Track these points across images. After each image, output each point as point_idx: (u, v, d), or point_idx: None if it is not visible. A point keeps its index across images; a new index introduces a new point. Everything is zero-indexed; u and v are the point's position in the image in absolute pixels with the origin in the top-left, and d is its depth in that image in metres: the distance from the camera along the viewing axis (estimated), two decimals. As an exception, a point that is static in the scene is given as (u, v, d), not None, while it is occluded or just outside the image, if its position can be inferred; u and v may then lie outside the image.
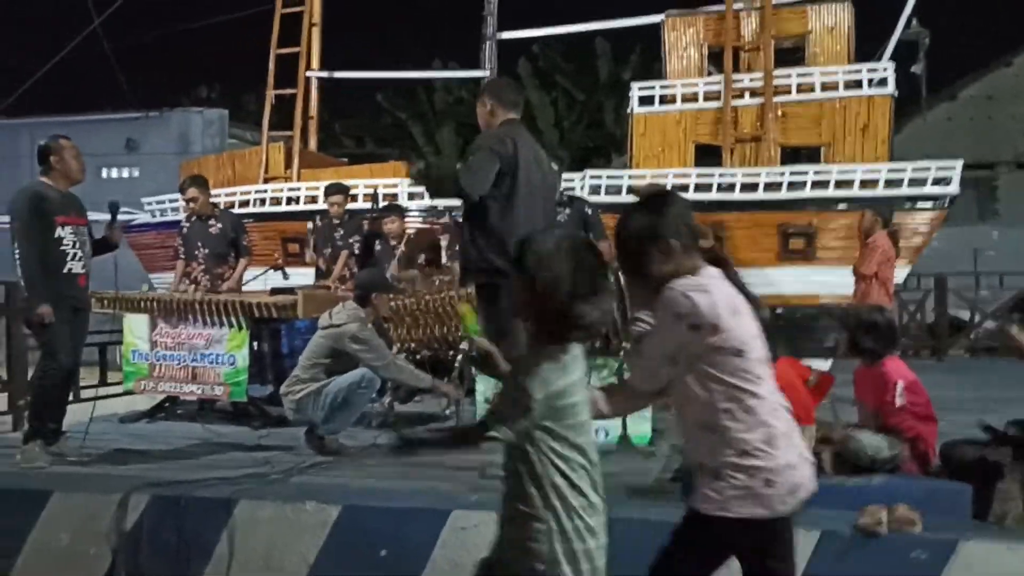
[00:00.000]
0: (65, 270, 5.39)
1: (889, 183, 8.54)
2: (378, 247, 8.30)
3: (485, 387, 6.17)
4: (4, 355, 7.64)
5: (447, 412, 6.79)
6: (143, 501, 4.40)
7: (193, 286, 7.54)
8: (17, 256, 5.35)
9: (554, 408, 2.23)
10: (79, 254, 5.47)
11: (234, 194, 10.04)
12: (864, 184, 8.56)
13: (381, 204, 8.61)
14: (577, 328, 2.28)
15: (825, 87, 9.21)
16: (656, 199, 2.53)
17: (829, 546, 3.68)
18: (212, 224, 7.63)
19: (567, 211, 7.53)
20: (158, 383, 7.08)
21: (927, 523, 3.68)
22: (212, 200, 8.00)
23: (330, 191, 8.35)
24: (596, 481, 2.31)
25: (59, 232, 5.37)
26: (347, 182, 9.56)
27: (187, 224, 7.75)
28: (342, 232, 8.11)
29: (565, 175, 9.76)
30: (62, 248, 5.38)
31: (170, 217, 10.13)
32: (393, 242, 8.29)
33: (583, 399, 2.30)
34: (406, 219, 8.64)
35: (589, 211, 7.60)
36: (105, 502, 4.43)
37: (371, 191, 8.87)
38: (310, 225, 8.60)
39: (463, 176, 4.51)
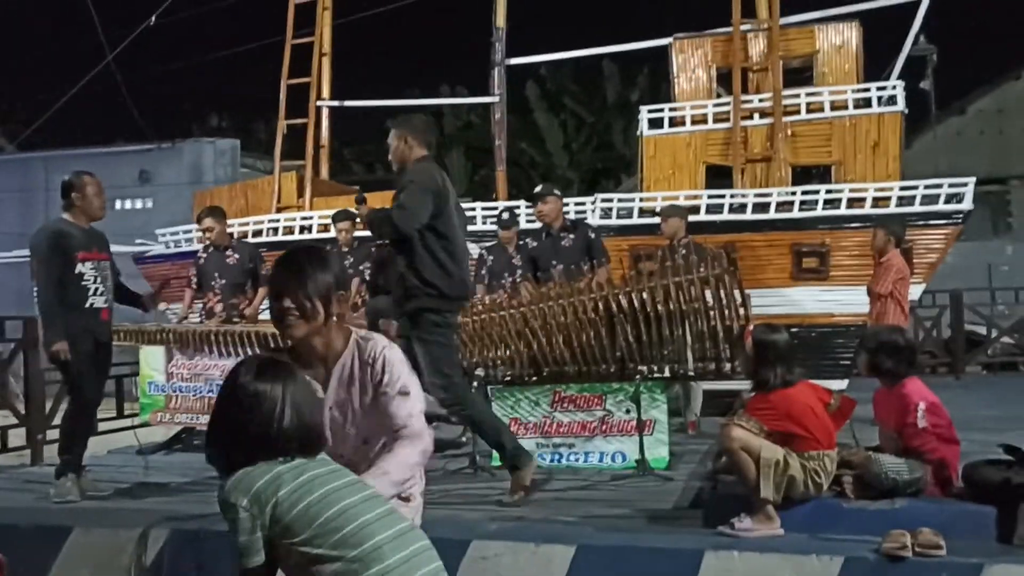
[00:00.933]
0: (87, 305, 5.44)
1: (901, 201, 8.52)
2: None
3: (500, 414, 6.17)
4: (23, 389, 7.68)
5: (463, 439, 6.78)
6: (163, 536, 4.40)
7: (211, 316, 7.58)
8: (35, 293, 5.41)
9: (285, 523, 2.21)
10: (100, 288, 5.52)
11: (247, 224, 10.09)
12: (876, 202, 8.54)
13: None
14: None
15: (834, 106, 9.20)
16: None
17: (853, 572, 3.65)
18: (229, 255, 7.67)
19: (571, 236, 7.56)
20: (174, 415, 7.12)
21: (952, 547, 3.64)
22: (228, 230, 8.06)
23: (338, 218, 8.38)
24: None
25: (80, 268, 5.42)
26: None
27: (204, 255, 7.80)
28: (352, 260, 8.14)
29: (575, 199, 9.78)
30: (83, 284, 5.43)
31: (184, 248, 10.19)
32: None
33: (338, 506, 2.24)
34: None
35: (593, 235, 7.62)
36: (125, 537, 4.44)
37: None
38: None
39: (398, 217, 4.88)
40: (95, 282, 5.48)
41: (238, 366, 2.41)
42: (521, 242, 7.95)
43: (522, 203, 9.39)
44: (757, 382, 4.22)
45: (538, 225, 7.89)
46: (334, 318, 2.71)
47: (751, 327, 4.32)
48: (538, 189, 7.87)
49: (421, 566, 2.27)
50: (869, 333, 4.74)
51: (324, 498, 2.24)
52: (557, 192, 7.85)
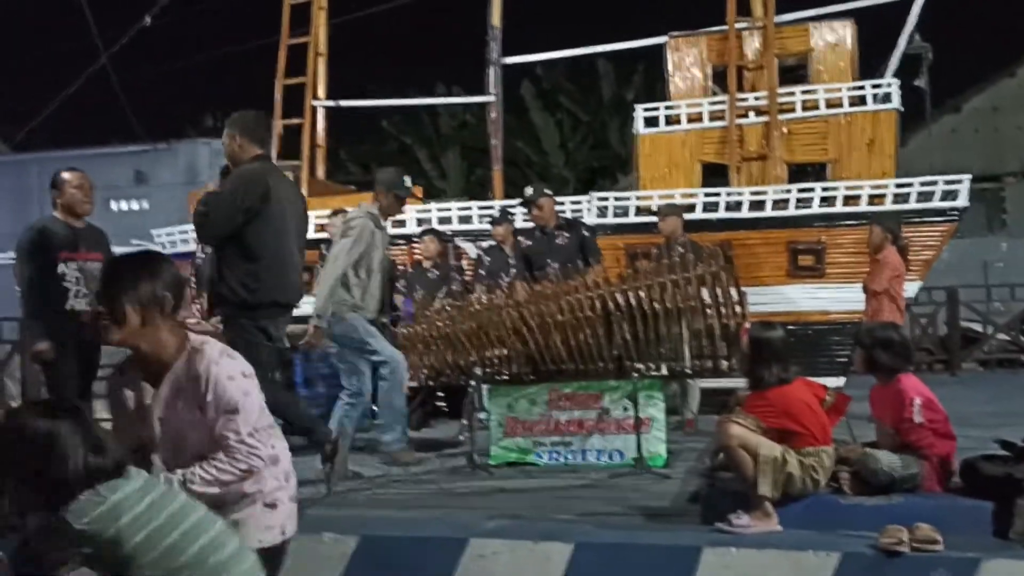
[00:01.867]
0: (67, 307, 5.22)
1: (897, 198, 8.54)
2: (410, 271, 8.37)
3: (497, 412, 6.19)
4: (19, 391, 7.68)
5: (461, 438, 6.79)
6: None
7: (211, 315, 7.55)
8: (19, 293, 5.28)
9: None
10: (83, 291, 5.26)
11: (243, 224, 10.08)
12: (872, 200, 8.56)
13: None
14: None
15: (829, 104, 9.22)
16: None
17: (851, 567, 3.66)
18: (224, 255, 7.64)
19: (566, 234, 7.58)
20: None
21: (949, 542, 3.66)
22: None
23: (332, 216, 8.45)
24: None
25: (61, 268, 5.21)
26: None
27: (202, 255, 7.78)
28: None
29: (571, 198, 9.78)
30: (64, 284, 5.21)
31: (180, 248, 10.17)
32: (427, 264, 8.33)
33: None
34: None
35: (587, 234, 7.65)
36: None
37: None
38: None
39: (199, 223, 4.98)
40: (76, 283, 5.25)
41: (10, 418, 2.40)
42: (491, 244, 8.01)
43: (516, 203, 9.41)
44: (753, 380, 4.24)
45: (532, 223, 7.92)
46: (158, 325, 2.68)
47: (747, 325, 4.34)
48: (529, 193, 7.90)
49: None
50: (864, 329, 4.75)
51: (167, 522, 2.29)
52: (548, 192, 7.89)
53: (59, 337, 5.16)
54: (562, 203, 9.37)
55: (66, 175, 5.42)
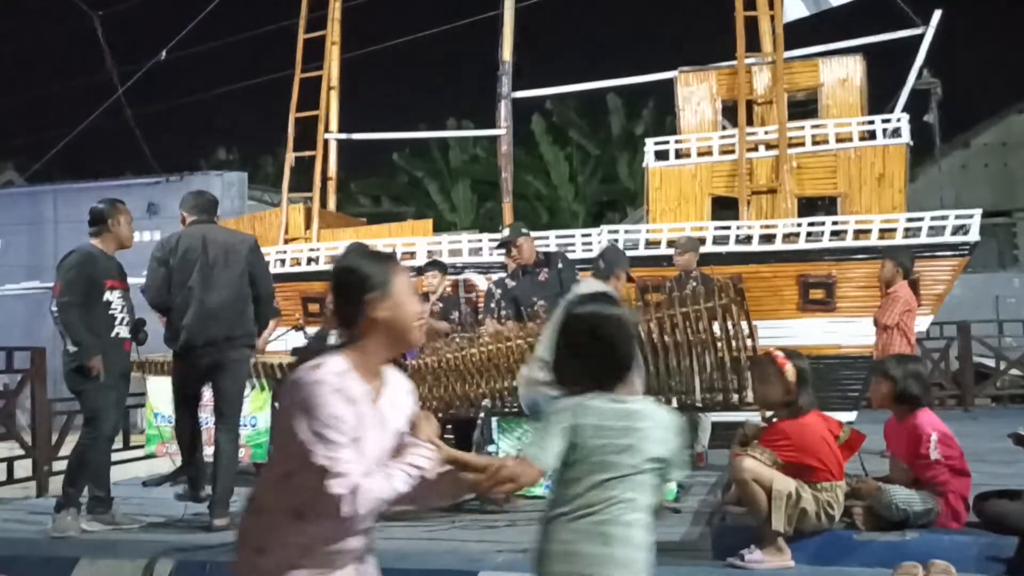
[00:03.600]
0: (113, 334, 5.37)
1: (907, 232, 8.53)
2: None
3: (507, 444, 6.16)
4: (29, 421, 7.67)
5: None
6: (168, 567, 4.38)
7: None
8: (57, 313, 5.24)
9: None
10: (126, 319, 5.46)
11: (254, 255, 10.13)
12: (882, 234, 8.56)
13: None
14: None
15: (839, 138, 9.25)
16: None
17: (865, 604, 3.62)
18: (237, 287, 7.68)
19: (545, 269, 7.57)
20: (181, 446, 7.07)
21: (965, 579, 3.62)
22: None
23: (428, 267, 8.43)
24: None
25: (108, 296, 5.35)
26: (368, 241, 9.65)
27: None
28: None
29: (581, 231, 9.80)
30: (111, 312, 5.36)
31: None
32: (432, 297, 8.32)
33: None
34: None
35: (561, 265, 7.62)
36: (130, 568, 4.42)
37: (390, 251, 8.94)
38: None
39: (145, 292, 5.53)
40: (121, 311, 5.42)
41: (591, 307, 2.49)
42: (501, 277, 8.01)
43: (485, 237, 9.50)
44: (793, 408, 4.15)
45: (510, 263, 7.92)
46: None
47: (779, 353, 4.25)
48: (505, 234, 7.78)
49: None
50: (892, 361, 4.61)
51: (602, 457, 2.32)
52: (525, 231, 7.84)
53: (106, 365, 5.32)
54: (572, 236, 9.41)
55: (121, 207, 5.63)
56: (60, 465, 6.26)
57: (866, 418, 7.55)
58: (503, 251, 7.91)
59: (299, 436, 2.14)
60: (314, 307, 9.52)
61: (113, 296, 5.39)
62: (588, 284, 5.70)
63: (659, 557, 4.40)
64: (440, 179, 29.71)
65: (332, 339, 8.06)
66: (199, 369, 5.51)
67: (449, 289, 8.56)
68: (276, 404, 6.45)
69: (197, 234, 5.53)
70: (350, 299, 2.30)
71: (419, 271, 8.36)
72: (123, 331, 5.44)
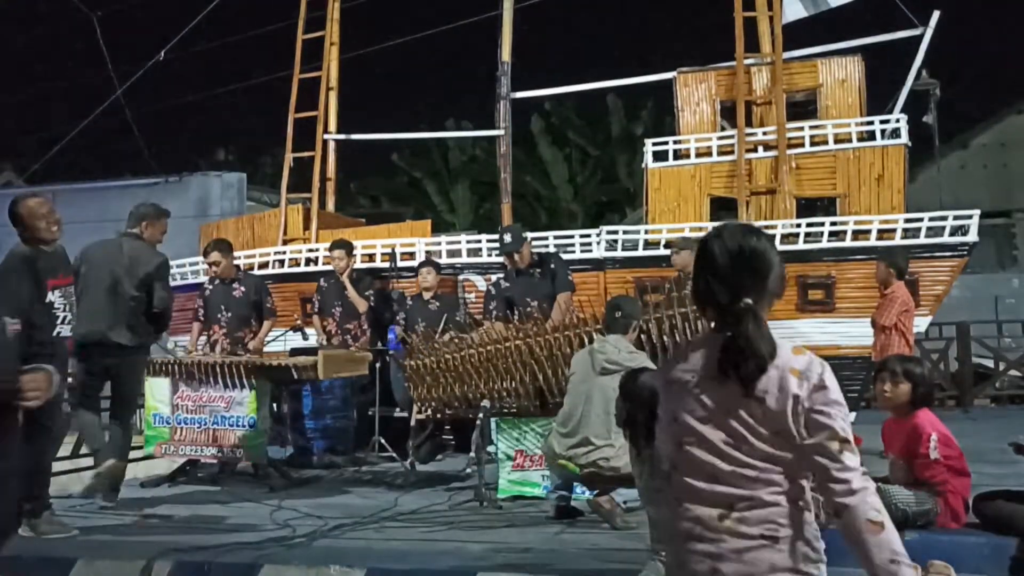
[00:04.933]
0: (55, 333, 5.17)
1: (906, 233, 8.54)
2: (409, 303, 8.39)
3: (505, 445, 6.15)
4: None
5: (469, 471, 6.75)
6: (167, 567, 4.36)
7: (215, 348, 7.58)
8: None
9: None
10: (68, 316, 5.25)
11: (253, 256, 10.12)
12: (881, 234, 8.56)
13: (399, 264, 8.69)
14: None
15: (838, 139, 9.26)
16: None
17: (864, 605, 3.61)
18: (235, 288, 7.69)
19: (539, 270, 7.62)
20: (179, 447, 7.08)
21: (964, 579, 3.61)
22: (235, 263, 8.09)
23: (333, 247, 8.50)
24: None
25: (50, 296, 5.16)
26: (366, 242, 9.66)
27: (210, 287, 7.81)
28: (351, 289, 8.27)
29: (581, 231, 9.80)
30: (52, 312, 5.16)
31: (191, 280, 10.21)
32: (428, 295, 8.33)
33: None
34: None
35: (553, 265, 7.66)
36: (129, 569, 4.40)
37: (389, 251, 8.94)
38: (321, 283, 8.69)
39: None
40: (64, 310, 5.22)
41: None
42: (499, 278, 8.03)
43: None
44: None
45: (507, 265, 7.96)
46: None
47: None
48: (507, 239, 7.83)
49: None
50: (907, 362, 4.51)
51: None
52: (526, 234, 7.90)
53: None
54: (571, 237, 9.41)
55: (29, 203, 5.25)
56: (57, 465, 6.24)
57: (866, 418, 7.55)
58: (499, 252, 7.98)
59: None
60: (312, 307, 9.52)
61: (54, 296, 5.17)
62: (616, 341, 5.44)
63: (646, 555, 4.42)
64: (439, 180, 29.72)
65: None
66: (93, 365, 5.98)
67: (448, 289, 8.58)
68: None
69: (96, 246, 6.23)
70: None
71: (415, 270, 8.41)
72: (64, 330, 5.23)
